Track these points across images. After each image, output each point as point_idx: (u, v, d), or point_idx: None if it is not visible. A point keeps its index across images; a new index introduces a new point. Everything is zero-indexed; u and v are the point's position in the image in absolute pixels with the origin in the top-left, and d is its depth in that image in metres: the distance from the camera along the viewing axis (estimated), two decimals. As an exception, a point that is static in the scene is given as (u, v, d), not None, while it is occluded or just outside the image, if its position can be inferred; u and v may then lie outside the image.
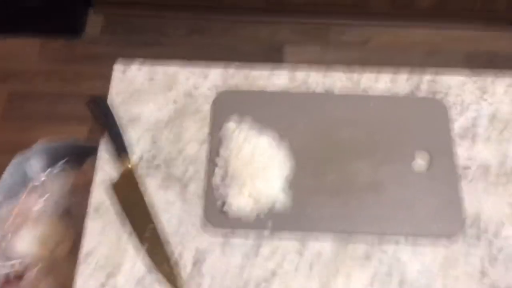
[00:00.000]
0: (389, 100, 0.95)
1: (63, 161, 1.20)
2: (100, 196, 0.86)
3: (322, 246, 0.83)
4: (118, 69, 0.98)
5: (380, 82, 0.97)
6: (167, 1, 1.92)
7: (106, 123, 0.90)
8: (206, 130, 0.92)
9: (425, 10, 1.91)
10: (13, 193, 1.15)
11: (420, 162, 0.89)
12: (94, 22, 1.95)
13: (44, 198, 1.14)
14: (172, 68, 0.98)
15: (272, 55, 1.90)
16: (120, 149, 0.88)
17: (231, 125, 0.90)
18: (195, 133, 0.91)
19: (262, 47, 1.93)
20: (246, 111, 0.92)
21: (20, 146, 1.64)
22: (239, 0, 1.90)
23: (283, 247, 0.83)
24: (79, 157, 1.19)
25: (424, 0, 1.87)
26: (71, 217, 1.13)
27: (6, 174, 1.15)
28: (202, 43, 1.93)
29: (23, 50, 1.89)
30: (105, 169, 0.88)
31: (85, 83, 1.81)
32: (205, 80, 0.97)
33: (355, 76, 0.97)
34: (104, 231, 0.84)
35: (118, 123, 0.91)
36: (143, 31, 1.95)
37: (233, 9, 1.93)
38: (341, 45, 1.93)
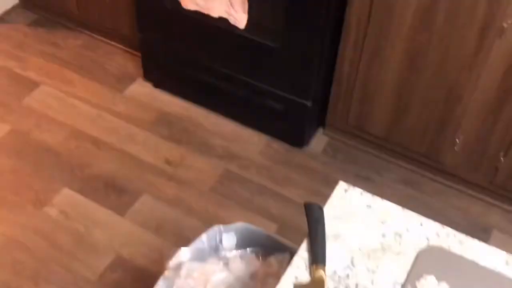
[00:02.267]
0: None
1: (253, 247, 1.25)
2: (285, 292, 0.88)
3: None
4: (341, 186, 1.02)
5: None
6: (388, 144, 1.97)
7: (314, 229, 0.93)
8: (403, 275, 0.90)
9: None
10: (200, 257, 1.22)
11: None
12: (319, 141, 2.10)
13: (225, 273, 1.19)
14: (388, 203, 0.99)
15: (477, 234, 1.81)
16: (319, 258, 0.90)
17: (425, 282, 0.87)
18: (391, 274, 0.90)
19: (470, 222, 1.86)
20: (446, 275, 0.88)
21: (216, 219, 1.76)
22: (461, 170, 1.88)
23: None
24: (268, 249, 1.23)
25: None
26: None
27: (201, 238, 1.23)
28: (410, 194, 1.93)
29: (250, 140, 2.08)
30: (297, 269, 0.90)
31: (290, 188, 1.92)
32: (420, 227, 0.96)
33: None
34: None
35: (325, 233, 0.94)
36: (358, 163, 2.02)
37: (451, 175, 1.92)
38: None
